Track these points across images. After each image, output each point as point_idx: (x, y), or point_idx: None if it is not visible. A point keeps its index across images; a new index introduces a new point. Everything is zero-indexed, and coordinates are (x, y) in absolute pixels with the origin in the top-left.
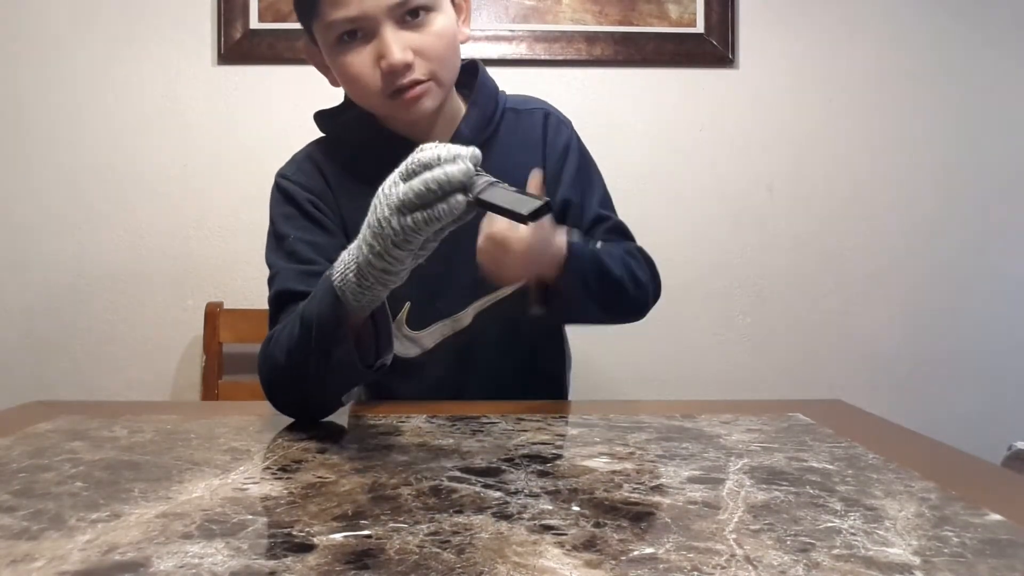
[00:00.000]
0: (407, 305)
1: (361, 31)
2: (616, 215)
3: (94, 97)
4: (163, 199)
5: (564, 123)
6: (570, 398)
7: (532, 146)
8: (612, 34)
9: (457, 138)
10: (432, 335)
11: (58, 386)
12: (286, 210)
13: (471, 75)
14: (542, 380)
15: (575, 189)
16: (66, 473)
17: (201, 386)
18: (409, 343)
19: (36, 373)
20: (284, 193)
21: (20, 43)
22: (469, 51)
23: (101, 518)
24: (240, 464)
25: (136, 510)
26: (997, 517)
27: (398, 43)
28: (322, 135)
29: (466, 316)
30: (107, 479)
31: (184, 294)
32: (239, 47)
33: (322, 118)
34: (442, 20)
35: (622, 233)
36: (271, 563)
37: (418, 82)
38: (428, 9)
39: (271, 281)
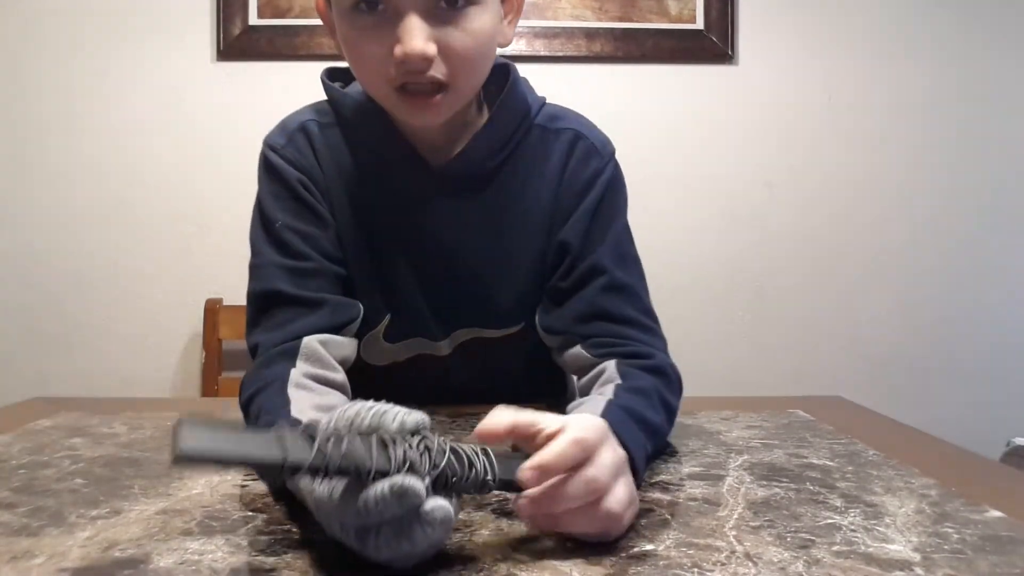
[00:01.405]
0: (387, 318)
1: (384, 4)
2: (627, 273)
3: (94, 93)
4: (163, 195)
5: (599, 152)
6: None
7: (551, 176)
8: (612, 30)
9: (464, 157)
10: (407, 348)
11: (58, 382)
12: (274, 188)
13: (500, 77)
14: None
15: (578, 232)
16: (66, 470)
17: (201, 382)
18: (381, 354)
19: (36, 369)
20: (272, 168)
21: (19, 39)
22: None
23: (101, 515)
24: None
25: (136, 507)
26: (997, 513)
27: (422, 32)
28: (322, 100)
29: (444, 346)
30: (107, 476)
31: (183, 290)
32: (238, 43)
33: (332, 79)
34: (483, 17)
35: (623, 293)
36: (271, 559)
37: (435, 84)
38: (471, 1)
39: (255, 271)
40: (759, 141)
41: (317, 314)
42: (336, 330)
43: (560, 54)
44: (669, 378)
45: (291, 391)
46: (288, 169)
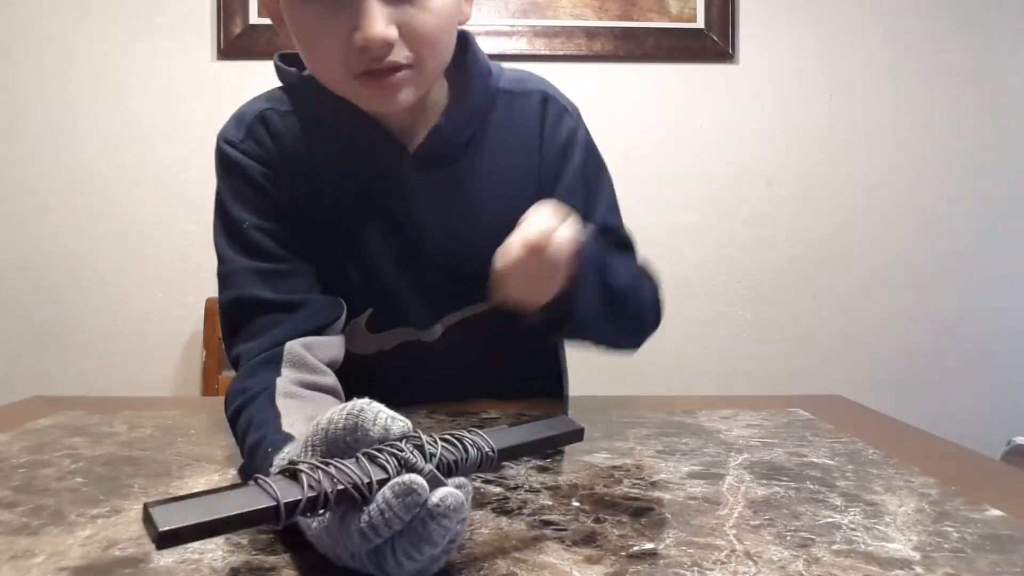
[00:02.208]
0: (368, 311)
1: None
2: (623, 226)
3: (94, 92)
4: (163, 194)
5: (568, 111)
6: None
7: (526, 141)
8: (612, 29)
9: (436, 135)
10: (394, 336)
11: (58, 381)
12: (235, 185)
13: (459, 50)
14: (529, 386)
15: (576, 194)
16: (66, 469)
17: (201, 381)
18: (365, 344)
19: (36, 369)
20: (231, 164)
21: (19, 39)
22: None
23: (101, 514)
24: (240, 459)
25: (136, 506)
26: (997, 512)
27: (382, 15)
28: (274, 88)
29: (433, 332)
30: (107, 475)
31: (184, 289)
32: (239, 42)
33: (287, 65)
34: None
35: (628, 249)
36: (271, 559)
37: (397, 67)
38: None
39: (224, 279)
40: (760, 140)
41: (297, 317)
42: (319, 331)
43: (560, 53)
44: (648, 279)
45: (280, 401)
46: (250, 164)
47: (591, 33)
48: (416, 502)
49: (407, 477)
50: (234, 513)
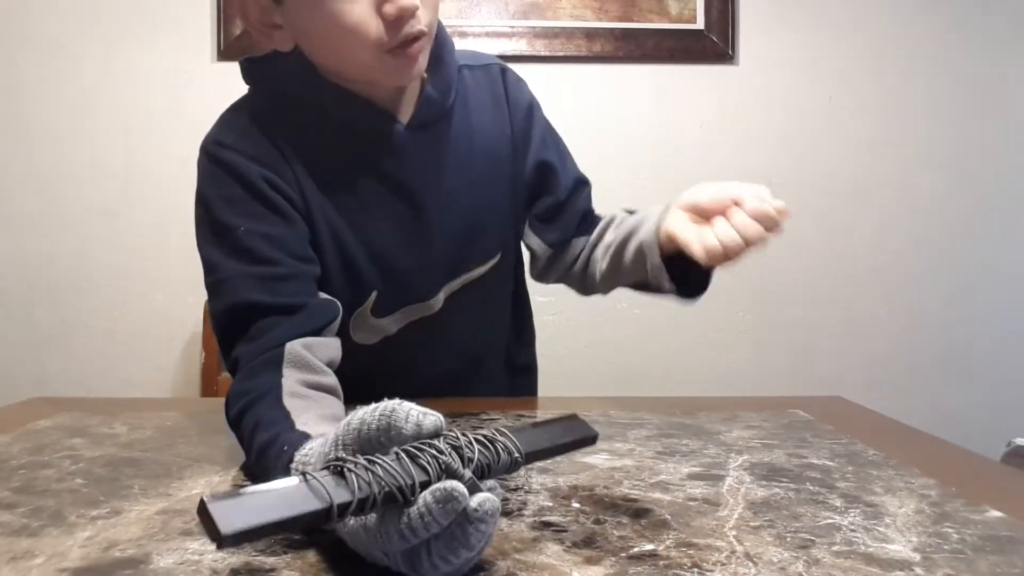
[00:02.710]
0: (373, 295)
1: None
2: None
3: (95, 93)
4: (163, 195)
5: (521, 80)
6: (570, 395)
7: (495, 104)
8: (612, 30)
9: (427, 103)
10: (397, 319)
11: (58, 382)
12: (230, 192)
13: None
14: (514, 354)
15: (551, 150)
16: (66, 470)
17: (201, 382)
18: (371, 331)
19: (36, 369)
20: (226, 168)
21: (21, 40)
22: (468, 46)
23: (101, 515)
24: (240, 460)
25: (136, 507)
26: (997, 513)
27: None
28: (243, 96)
29: (437, 302)
30: (107, 476)
31: (184, 290)
32: (239, 43)
33: (254, 67)
34: None
35: (591, 195)
36: (271, 560)
37: (420, 35)
38: None
39: (217, 287)
40: (759, 141)
41: (296, 318)
42: (318, 332)
43: (560, 54)
44: None
45: (288, 401)
46: (249, 166)
47: (591, 34)
48: (456, 509)
49: (449, 484)
50: (291, 516)
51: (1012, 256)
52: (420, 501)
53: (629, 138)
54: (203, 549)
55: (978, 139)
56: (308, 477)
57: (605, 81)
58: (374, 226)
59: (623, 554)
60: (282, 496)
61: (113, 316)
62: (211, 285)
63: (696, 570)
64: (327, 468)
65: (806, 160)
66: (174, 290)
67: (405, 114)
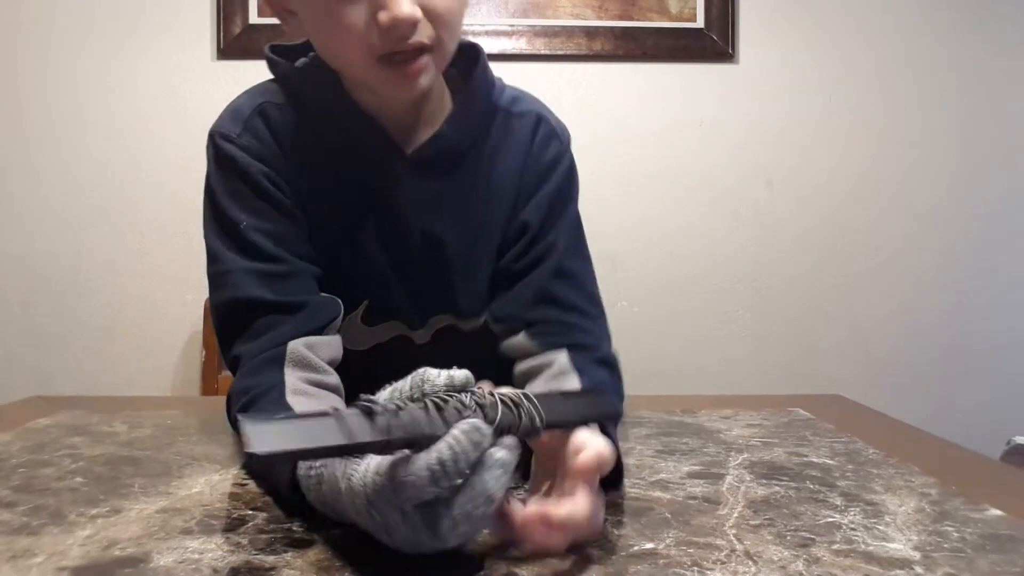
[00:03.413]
0: (364, 304)
1: None
2: (577, 258)
3: (94, 92)
4: (163, 194)
5: (557, 135)
6: None
7: (517, 153)
8: (612, 29)
9: (437, 141)
10: (387, 329)
11: (58, 381)
12: (234, 185)
13: (468, 61)
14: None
15: (538, 213)
16: (66, 468)
17: (201, 381)
18: (361, 337)
19: (36, 368)
20: (230, 162)
21: (20, 39)
22: None
23: (101, 513)
24: (240, 459)
25: (136, 505)
26: (997, 512)
27: None
28: (266, 81)
29: (424, 335)
30: (107, 474)
31: (184, 289)
32: (238, 42)
33: (280, 57)
34: None
35: (572, 279)
36: (271, 558)
37: (420, 49)
38: None
39: (218, 279)
40: (759, 140)
41: (298, 317)
42: (319, 331)
43: (560, 53)
44: (617, 371)
45: (291, 398)
46: (249, 162)
47: (591, 33)
48: (482, 439)
49: (475, 420)
50: (313, 445)
51: (1012, 256)
52: (449, 435)
53: (629, 137)
54: (203, 548)
55: (978, 138)
56: (339, 413)
57: (605, 80)
58: (360, 239)
59: (623, 552)
60: (313, 427)
61: (113, 315)
62: (213, 275)
63: (696, 569)
64: (356, 407)
65: (806, 159)
66: (174, 289)
67: (414, 142)
